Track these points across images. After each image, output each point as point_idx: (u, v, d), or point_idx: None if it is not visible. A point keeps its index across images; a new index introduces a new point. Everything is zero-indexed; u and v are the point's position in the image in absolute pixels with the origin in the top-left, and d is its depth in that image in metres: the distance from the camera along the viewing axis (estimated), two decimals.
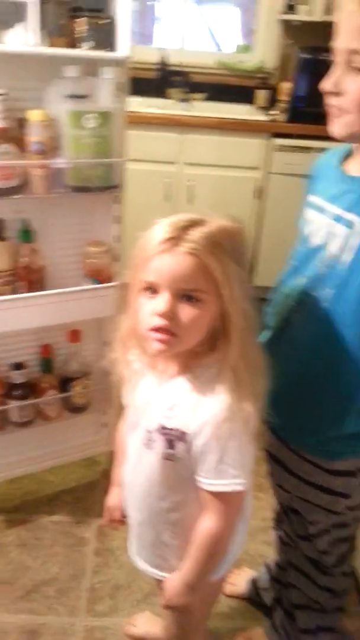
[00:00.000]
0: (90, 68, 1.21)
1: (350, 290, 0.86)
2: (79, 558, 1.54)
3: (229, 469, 0.82)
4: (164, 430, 0.85)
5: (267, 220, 2.72)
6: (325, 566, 1.10)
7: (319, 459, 0.97)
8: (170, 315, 0.77)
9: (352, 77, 0.79)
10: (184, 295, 0.77)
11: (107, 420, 1.67)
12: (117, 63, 1.22)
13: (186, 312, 0.78)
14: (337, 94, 0.81)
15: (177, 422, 0.83)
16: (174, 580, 0.91)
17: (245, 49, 3.07)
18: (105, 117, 1.20)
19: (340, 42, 0.79)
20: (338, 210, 0.87)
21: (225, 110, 2.73)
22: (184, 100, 2.88)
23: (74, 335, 1.51)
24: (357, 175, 0.88)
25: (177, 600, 0.91)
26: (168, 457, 0.85)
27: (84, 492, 1.74)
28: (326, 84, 0.82)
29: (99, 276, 1.39)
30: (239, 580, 1.45)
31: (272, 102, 2.86)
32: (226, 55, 3.04)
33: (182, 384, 0.84)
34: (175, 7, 3.05)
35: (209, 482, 0.83)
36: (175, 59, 2.90)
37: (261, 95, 2.91)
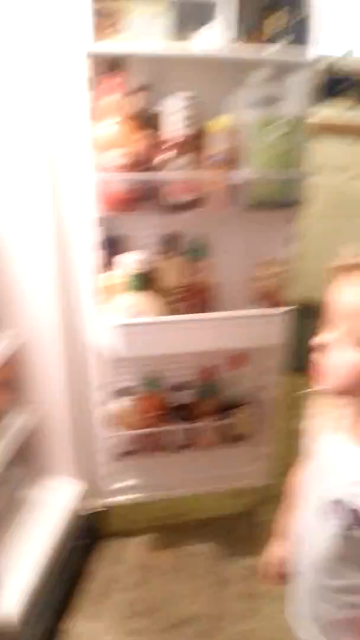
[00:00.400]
0: (279, 71, 1.10)
1: None
2: (222, 599, 1.43)
3: None
4: (344, 506, 0.71)
5: None
6: None
7: None
8: (322, 349, 0.69)
9: None
10: (343, 331, 0.67)
11: (262, 453, 1.54)
12: (310, 65, 1.09)
13: (337, 351, 0.67)
14: None
15: None
16: None
17: None
18: (294, 124, 1.08)
19: None
20: None
21: None
22: None
23: (237, 360, 1.40)
24: None
25: None
26: (348, 536, 0.71)
27: (231, 524, 1.64)
28: None
29: (269, 299, 1.27)
30: None
31: None
32: None
33: None
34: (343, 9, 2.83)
35: None
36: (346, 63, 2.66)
37: None
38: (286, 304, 1.27)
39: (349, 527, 0.71)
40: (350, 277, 0.66)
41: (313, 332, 0.72)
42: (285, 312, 1.25)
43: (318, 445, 0.78)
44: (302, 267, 1.27)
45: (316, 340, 0.70)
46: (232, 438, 1.47)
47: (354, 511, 0.70)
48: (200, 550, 1.56)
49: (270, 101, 1.07)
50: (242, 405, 1.44)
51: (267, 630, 1.34)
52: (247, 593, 1.44)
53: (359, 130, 2.35)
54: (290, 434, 0.87)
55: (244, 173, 1.11)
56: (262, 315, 1.24)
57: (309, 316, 0.76)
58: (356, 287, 0.65)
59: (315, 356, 0.70)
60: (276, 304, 1.27)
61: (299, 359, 0.86)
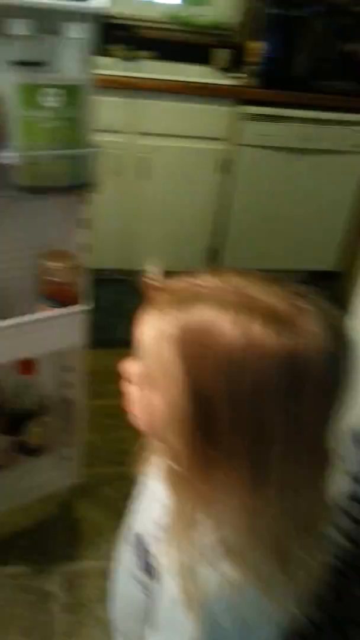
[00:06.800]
0: (49, 23, 0.87)
1: None
2: (46, 618, 1.28)
3: None
4: (142, 543, 0.64)
5: (237, 197, 2.42)
6: None
7: None
8: (127, 378, 0.60)
9: None
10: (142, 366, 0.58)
11: (69, 454, 1.39)
12: (90, 17, 0.88)
13: (137, 386, 0.58)
14: None
15: (158, 552, 0.60)
16: None
17: (198, 0, 2.68)
18: (71, 92, 0.88)
19: None
20: None
21: (180, 72, 2.37)
22: (128, 58, 2.47)
23: (27, 365, 1.20)
24: None
25: None
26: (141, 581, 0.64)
27: (41, 533, 1.47)
28: None
29: (61, 297, 1.09)
30: None
31: (235, 64, 2.53)
32: (178, 8, 2.64)
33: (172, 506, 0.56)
34: None
35: None
36: (116, 11, 2.45)
37: (220, 55, 2.58)
38: (83, 300, 1.10)
39: (145, 570, 0.63)
40: (151, 304, 0.54)
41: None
42: (83, 310, 1.09)
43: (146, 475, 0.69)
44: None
45: (121, 366, 0.60)
46: (32, 451, 1.29)
47: (147, 553, 0.62)
48: (9, 573, 1.36)
49: (37, 62, 0.85)
50: (38, 414, 1.25)
51: (99, 636, 1.25)
52: (72, 603, 1.31)
53: (118, 84, 2.15)
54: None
55: (9, 152, 0.88)
56: (54, 318, 1.06)
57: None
58: (153, 320, 0.52)
59: (123, 384, 0.60)
60: (71, 300, 1.09)
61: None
